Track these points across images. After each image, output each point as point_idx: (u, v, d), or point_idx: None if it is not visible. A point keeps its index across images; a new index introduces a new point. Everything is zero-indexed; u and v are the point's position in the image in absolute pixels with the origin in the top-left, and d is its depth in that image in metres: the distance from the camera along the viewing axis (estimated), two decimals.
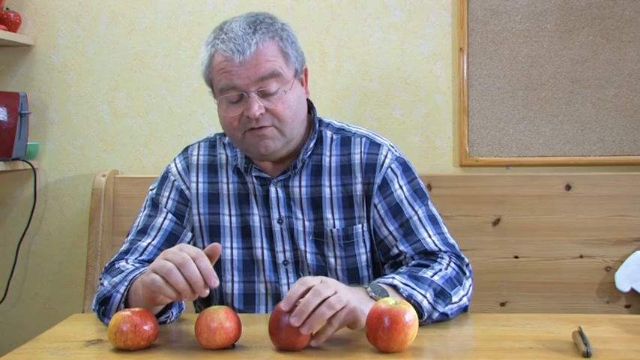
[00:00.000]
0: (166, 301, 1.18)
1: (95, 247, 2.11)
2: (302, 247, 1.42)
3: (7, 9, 2.23)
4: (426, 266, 1.32)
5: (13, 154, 2.11)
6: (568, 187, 2.07)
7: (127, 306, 1.24)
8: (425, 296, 1.23)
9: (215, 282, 1.09)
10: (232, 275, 1.43)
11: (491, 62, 2.16)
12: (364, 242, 1.42)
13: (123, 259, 1.39)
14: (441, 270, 1.31)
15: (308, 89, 1.44)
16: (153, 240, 1.42)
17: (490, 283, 2.05)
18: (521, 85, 2.15)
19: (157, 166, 2.24)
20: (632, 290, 2.02)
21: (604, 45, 2.13)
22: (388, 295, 1.19)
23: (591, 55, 2.13)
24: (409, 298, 1.21)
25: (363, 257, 1.43)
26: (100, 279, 1.37)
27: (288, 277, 1.42)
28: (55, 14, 2.27)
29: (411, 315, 1.08)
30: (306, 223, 1.42)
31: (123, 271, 1.31)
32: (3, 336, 2.29)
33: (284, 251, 1.42)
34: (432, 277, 1.28)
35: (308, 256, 1.42)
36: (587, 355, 1.05)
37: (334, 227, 1.41)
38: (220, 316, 1.09)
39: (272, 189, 1.42)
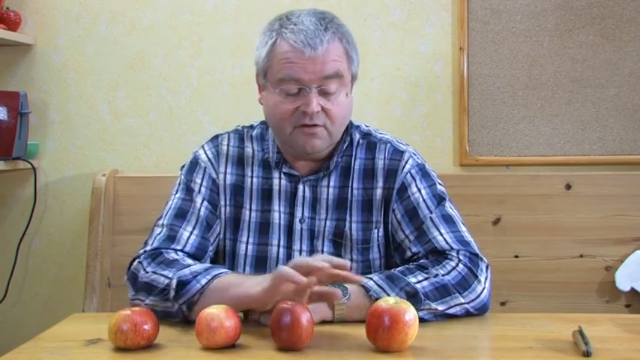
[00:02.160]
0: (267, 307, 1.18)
1: (95, 246, 2.11)
2: (320, 247, 1.42)
3: (7, 8, 2.23)
4: (424, 268, 1.30)
5: (13, 154, 2.11)
6: (568, 187, 2.07)
7: (199, 299, 1.21)
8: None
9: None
10: (244, 271, 1.42)
11: (492, 62, 2.16)
12: (379, 248, 1.42)
13: (169, 248, 1.34)
14: (438, 275, 1.28)
15: (352, 96, 1.43)
16: (194, 229, 1.38)
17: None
18: (522, 84, 2.15)
19: (157, 166, 2.24)
20: (632, 290, 2.02)
21: (604, 44, 2.13)
22: (345, 297, 1.22)
23: (591, 55, 2.13)
24: (377, 300, 1.21)
25: (377, 263, 1.43)
26: (142, 264, 1.31)
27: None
28: (55, 14, 2.27)
29: (411, 314, 1.07)
30: (328, 223, 1.41)
31: (190, 265, 1.27)
32: (3, 335, 2.29)
33: (301, 251, 1.42)
34: (416, 282, 1.26)
35: None
36: (587, 354, 1.05)
37: (354, 230, 1.41)
38: (221, 316, 1.09)
39: (300, 187, 1.42)
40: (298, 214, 1.42)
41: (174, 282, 1.24)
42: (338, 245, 1.42)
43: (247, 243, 1.43)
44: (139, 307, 1.16)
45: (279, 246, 1.42)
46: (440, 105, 2.20)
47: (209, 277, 1.23)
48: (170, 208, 1.41)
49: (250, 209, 1.43)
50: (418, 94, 2.20)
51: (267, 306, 1.17)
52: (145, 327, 1.10)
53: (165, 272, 1.27)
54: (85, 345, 1.14)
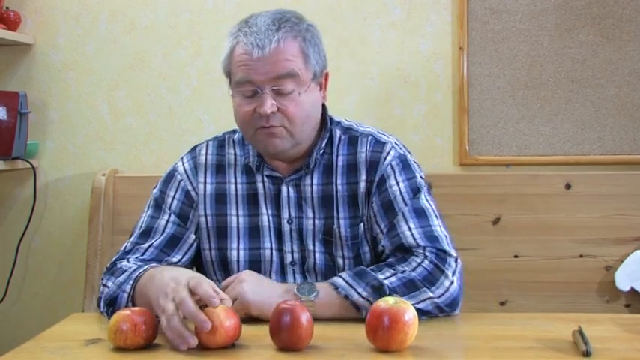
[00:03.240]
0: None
1: (95, 246, 2.11)
2: (310, 246, 1.41)
3: (7, 8, 2.23)
4: (391, 266, 1.31)
5: (13, 154, 2.11)
6: (568, 187, 2.07)
7: (134, 304, 1.25)
8: (360, 293, 1.25)
9: (193, 342, 1.09)
10: None
11: (491, 61, 2.16)
12: (367, 241, 1.42)
13: (124, 258, 1.39)
14: (405, 271, 1.28)
15: (326, 94, 1.43)
16: (153, 242, 1.41)
17: (490, 283, 2.05)
18: (521, 84, 2.15)
19: (157, 166, 2.24)
20: (632, 289, 2.02)
21: (604, 44, 2.13)
22: (313, 294, 1.25)
23: (591, 55, 2.13)
24: (346, 298, 1.25)
25: (368, 256, 1.43)
26: (102, 279, 1.37)
27: (294, 278, 1.42)
28: (54, 13, 2.27)
29: (411, 314, 1.08)
30: (316, 222, 1.41)
31: (126, 270, 1.32)
32: (3, 335, 2.29)
33: (292, 252, 1.42)
34: (384, 278, 1.26)
35: (316, 255, 1.41)
36: (586, 354, 1.05)
37: (342, 227, 1.41)
38: (220, 315, 1.09)
39: (284, 188, 1.42)
40: (285, 215, 1.42)
41: (102, 304, 1.32)
42: (328, 243, 1.41)
43: (238, 249, 1.42)
44: (138, 307, 1.16)
45: (271, 249, 1.42)
46: (440, 104, 2.19)
47: (131, 282, 1.28)
48: (139, 226, 1.45)
49: (237, 215, 1.43)
50: (418, 94, 2.20)
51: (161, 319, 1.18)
52: (145, 326, 1.10)
53: (108, 283, 1.34)
54: (85, 345, 1.14)
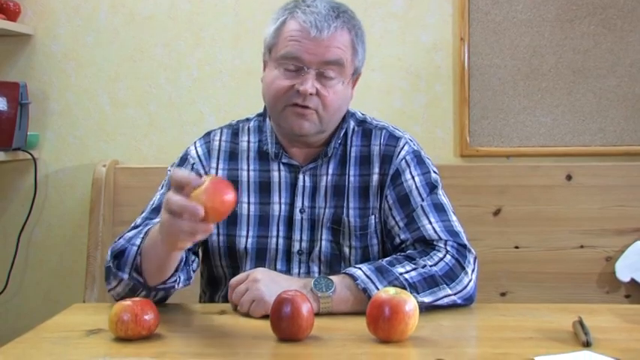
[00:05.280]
0: (186, 244, 1.13)
1: (96, 237, 2.11)
2: (318, 235, 1.41)
3: None
4: (412, 259, 1.30)
5: (13, 144, 2.11)
6: (569, 178, 2.07)
7: (141, 259, 1.22)
8: (379, 289, 1.21)
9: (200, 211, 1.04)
10: (247, 264, 1.42)
11: (492, 52, 2.15)
12: (376, 234, 1.42)
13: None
14: (425, 266, 1.28)
15: (353, 93, 1.44)
16: None
17: (491, 274, 2.05)
18: (522, 75, 2.15)
19: (158, 157, 2.24)
20: (632, 280, 2.02)
21: (605, 35, 2.12)
22: (330, 290, 1.22)
23: (593, 45, 2.12)
24: (364, 292, 1.22)
25: (376, 248, 1.43)
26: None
27: (299, 267, 1.41)
28: (54, 4, 2.26)
29: (411, 305, 1.08)
30: (327, 211, 1.41)
31: (136, 229, 1.30)
32: (4, 325, 2.29)
33: (300, 240, 1.42)
34: (404, 272, 1.26)
35: (323, 244, 1.41)
36: (587, 344, 1.05)
37: (352, 217, 1.41)
38: (203, 198, 1.05)
39: (300, 177, 1.42)
40: (298, 204, 1.42)
41: (108, 256, 1.27)
42: (336, 232, 1.41)
43: (247, 237, 1.42)
44: (139, 298, 1.16)
45: (277, 237, 1.42)
46: (440, 95, 2.19)
47: (141, 237, 1.24)
48: (152, 203, 1.42)
49: (248, 202, 1.43)
50: (419, 85, 2.20)
51: (171, 237, 1.11)
52: (146, 317, 1.10)
53: (118, 240, 1.30)
54: (86, 335, 1.14)
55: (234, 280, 1.27)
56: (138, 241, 1.25)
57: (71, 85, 2.27)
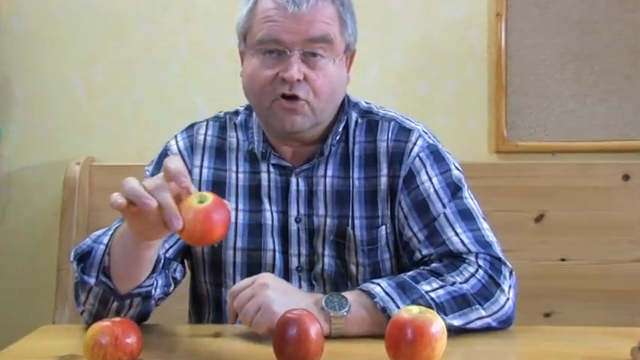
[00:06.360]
0: (159, 235, 1.14)
1: (68, 246, 2.12)
2: (320, 249, 1.41)
3: None
4: (439, 274, 1.29)
5: None
6: (626, 178, 2.07)
7: (110, 260, 1.22)
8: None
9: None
10: (234, 282, 1.42)
11: (535, 29, 2.15)
12: (388, 247, 1.42)
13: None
14: (455, 283, 1.27)
15: (350, 76, 1.43)
16: None
17: (532, 290, 2.04)
18: (571, 55, 2.14)
19: (141, 153, 2.25)
20: None
21: None
22: (344, 309, 1.21)
23: None
24: (383, 311, 1.21)
25: (388, 264, 1.42)
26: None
27: (300, 286, 1.41)
28: None
29: (438, 326, 1.07)
30: (328, 221, 1.41)
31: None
32: None
33: (299, 255, 1.42)
34: (430, 290, 1.25)
35: (326, 260, 1.41)
36: None
37: (357, 228, 1.40)
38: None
39: (293, 180, 1.42)
40: (293, 212, 1.42)
41: (72, 257, 1.27)
42: (340, 247, 1.41)
43: (235, 249, 1.42)
44: (120, 318, 1.17)
45: (274, 251, 1.41)
46: (473, 81, 2.19)
47: (110, 234, 1.24)
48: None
49: (237, 209, 1.43)
50: (447, 68, 2.20)
51: (141, 235, 1.13)
52: (128, 340, 1.10)
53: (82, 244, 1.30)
54: None
55: (236, 287, 1.25)
56: (106, 240, 1.24)
57: (39, 69, 2.29)
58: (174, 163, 1.07)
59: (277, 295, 1.21)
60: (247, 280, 1.25)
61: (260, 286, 1.22)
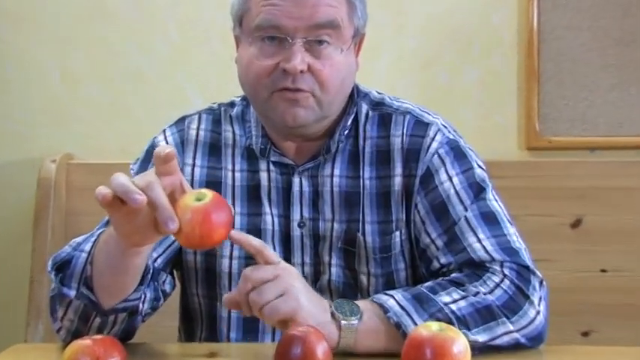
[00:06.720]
0: (150, 240, 1.14)
1: (42, 254, 2.13)
2: (326, 258, 1.42)
3: None
4: (460, 284, 1.28)
5: None
6: None
7: (92, 269, 1.22)
8: (417, 324, 1.19)
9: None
10: (226, 291, 1.42)
11: (571, 10, 2.15)
12: (403, 255, 1.42)
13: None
14: (478, 293, 1.27)
15: (359, 61, 1.43)
16: None
17: (569, 306, 2.05)
18: (612, 40, 2.14)
19: (124, 149, 2.25)
20: None
21: None
22: (356, 316, 1.21)
23: None
24: (397, 327, 1.21)
25: (403, 274, 1.43)
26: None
27: None
28: None
29: (461, 345, 1.08)
30: (335, 226, 1.41)
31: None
32: None
33: (302, 264, 1.42)
34: (450, 302, 1.24)
35: (333, 270, 1.42)
36: None
37: (368, 235, 1.41)
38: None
39: (296, 180, 1.42)
40: (296, 216, 1.42)
41: (49, 266, 1.27)
42: (349, 255, 1.41)
43: (231, 258, 1.42)
44: (101, 336, 1.17)
45: None
46: (500, 68, 2.19)
47: (93, 240, 1.24)
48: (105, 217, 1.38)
49: (234, 213, 1.43)
50: (470, 55, 2.20)
51: (130, 239, 1.13)
52: None
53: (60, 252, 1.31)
54: None
55: (251, 268, 1.21)
56: (88, 247, 1.25)
57: (8, 55, 2.29)
58: (167, 150, 1.07)
59: (305, 288, 1.21)
60: (266, 266, 1.21)
61: (286, 270, 1.21)
